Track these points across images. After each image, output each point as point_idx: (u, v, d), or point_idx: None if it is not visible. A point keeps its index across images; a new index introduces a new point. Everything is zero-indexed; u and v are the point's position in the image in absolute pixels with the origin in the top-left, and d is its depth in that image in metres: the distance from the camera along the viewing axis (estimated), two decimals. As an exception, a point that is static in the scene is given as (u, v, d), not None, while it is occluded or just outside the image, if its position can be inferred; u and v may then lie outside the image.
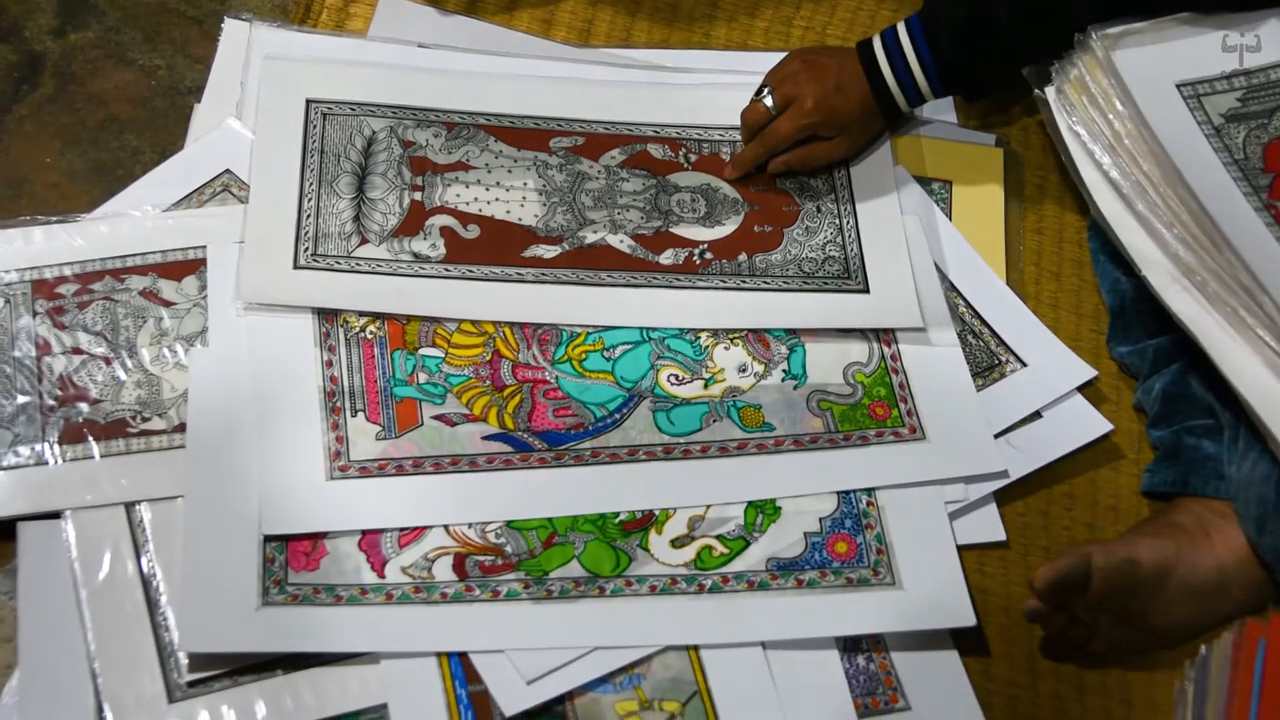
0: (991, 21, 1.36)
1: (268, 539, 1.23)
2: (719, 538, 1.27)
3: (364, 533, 1.25)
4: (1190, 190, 1.26)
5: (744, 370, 1.37)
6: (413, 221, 1.42)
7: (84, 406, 1.29)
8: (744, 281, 1.42)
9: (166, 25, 1.57)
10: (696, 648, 1.22)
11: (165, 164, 1.45)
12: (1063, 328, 1.44)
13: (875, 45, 1.42)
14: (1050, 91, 1.40)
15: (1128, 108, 1.32)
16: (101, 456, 1.27)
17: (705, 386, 1.36)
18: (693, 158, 1.50)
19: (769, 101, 1.44)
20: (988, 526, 1.32)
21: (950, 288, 1.45)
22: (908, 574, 1.26)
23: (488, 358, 1.35)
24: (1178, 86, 1.33)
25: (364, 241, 1.40)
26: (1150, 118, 1.30)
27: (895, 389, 1.37)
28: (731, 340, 1.39)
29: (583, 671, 1.20)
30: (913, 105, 1.46)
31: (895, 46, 1.41)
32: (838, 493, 1.31)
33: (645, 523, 1.28)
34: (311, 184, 1.42)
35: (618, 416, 1.33)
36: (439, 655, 1.20)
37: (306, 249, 1.38)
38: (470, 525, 1.26)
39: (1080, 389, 1.40)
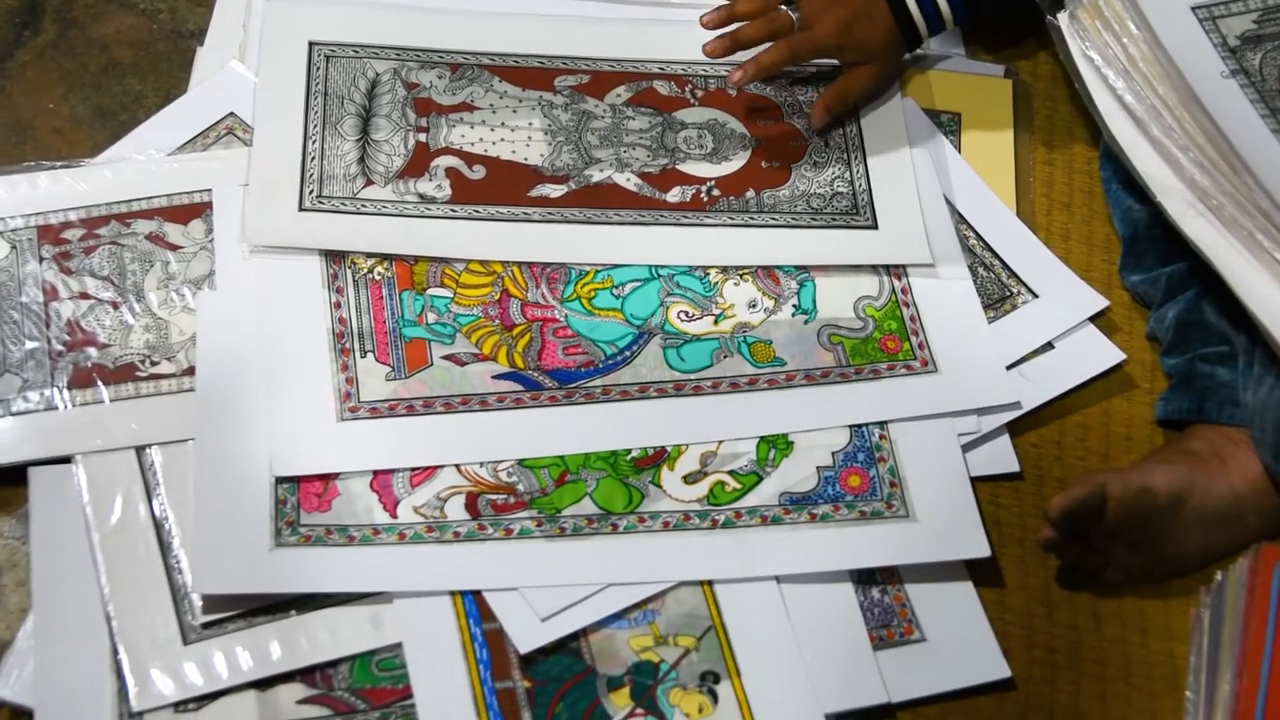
0: None
1: (279, 480, 1.22)
2: (731, 473, 1.27)
3: (375, 473, 1.24)
4: (1206, 113, 1.25)
5: (754, 306, 1.36)
6: (418, 163, 1.41)
7: (92, 351, 1.29)
8: (752, 218, 1.41)
9: (167, -32, 1.57)
10: (711, 583, 1.22)
11: (169, 108, 1.45)
12: (1074, 258, 1.43)
13: None
14: (1063, 17, 1.38)
15: (1142, 31, 1.31)
16: (111, 401, 1.26)
17: (715, 323, 1.35)
18: (699, 93, 1.49)
19: (795, 14, 1.40)
20: (1001, 458, 1.31)
21: (960, 220, 1.44)
22: (921, 506, 1.26)
23: (496, 297, 1.35)
24: (1192, 9, 1.31)
25: (369, 183, 1.39)
26: (1165, 40, 1.29)
27: (906, 322, 1.36)
28: (741, 276, 1.38)
29: (597, 608, 1.20)
30: (933, 33, 1.44)
31: None
32: (850, 426, 1.30)
33: (657, 459, 1.27)
34: (315, 126, 1.42)
35: (628, 354, 1.33)
36: (453, 594, 1.20)
37: (311, 191, 1.37)
38: (482, 464, 1.26)
39: (1092, 319, 1.39)
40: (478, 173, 1.41)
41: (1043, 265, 1.42)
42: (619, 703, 1.17)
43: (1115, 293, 1.42)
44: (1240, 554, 1.23)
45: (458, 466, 1.25)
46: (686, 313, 1.36)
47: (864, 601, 1.22)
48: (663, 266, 1.38)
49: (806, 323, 1.36)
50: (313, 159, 1.39)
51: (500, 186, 1.41)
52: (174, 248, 1.35)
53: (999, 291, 1.40)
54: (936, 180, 1.45)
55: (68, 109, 1.47)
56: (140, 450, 1.25)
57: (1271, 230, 1.22)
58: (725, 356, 1.33)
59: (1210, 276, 1.27)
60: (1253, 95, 1.26)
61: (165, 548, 1.20)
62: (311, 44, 1.47)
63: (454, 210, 1.38)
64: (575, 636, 1.19)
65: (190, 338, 1.30)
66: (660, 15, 1.55)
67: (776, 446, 1.29)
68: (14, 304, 1.31)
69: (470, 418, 1.28)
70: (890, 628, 1.22)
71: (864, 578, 1.23)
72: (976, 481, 1.28)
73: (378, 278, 1.34)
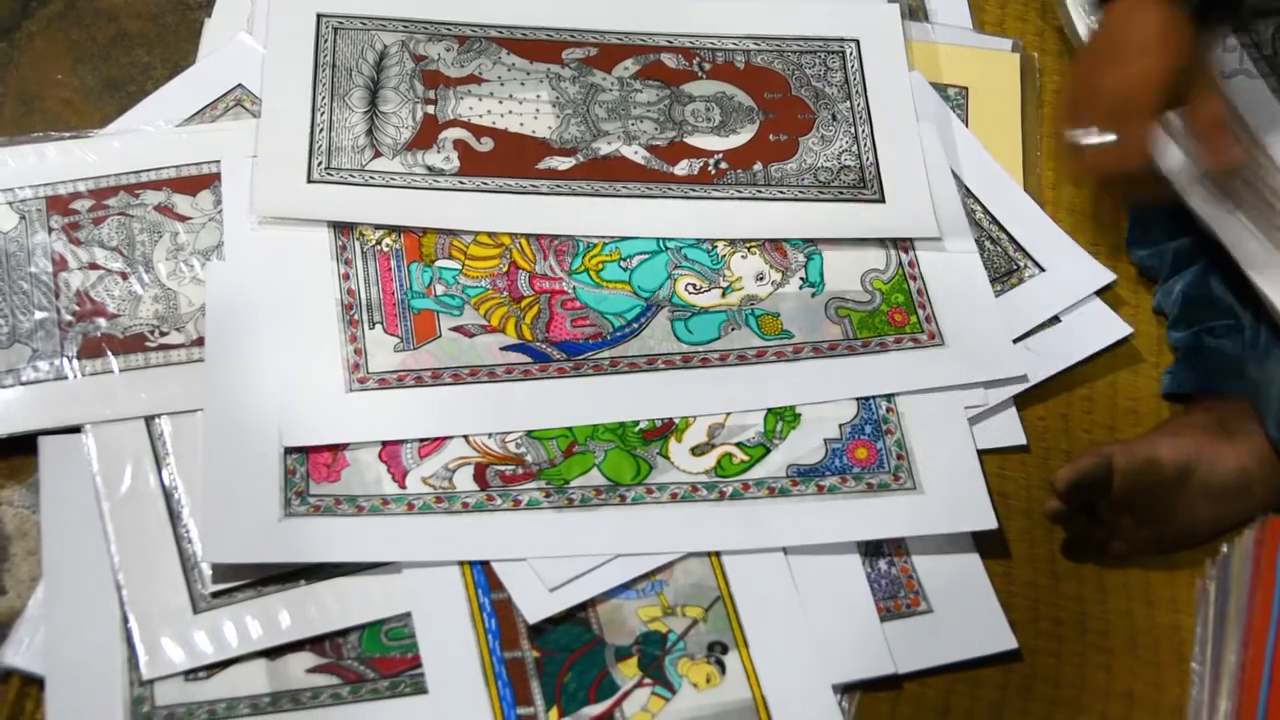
0: None
1: (288, 451, 1.23)
2: (739, 445, 1.27)
3: (384, 444, 1.25)
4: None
5: (761, 278, 1.37)
6: (426, 135, 1.41)
7: (102, 321, 1.29)
8: (759, 191, 1.41)
9: (175, -61, 1.57)
10: (718, 554, 1.23)
11: (177, 79, 1.45)
12: (1080, 232, 1.44)
13: None
14: None
15: (1150, 4, 1.31)
16: (120, 371, 1.27)
17: (723, 295, 1.35)
18: (707, 66, 1.49)
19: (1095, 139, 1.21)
20: (1007, 430, 1.32)
21: (967, 194, 1.44)
22: (928, 478, 1.26)
23: (504, 269, 1.35)
24: None
25: (377, 155, 1.39)
26: None
27: (913, 295, 1.36)
28: (749, 249, 1.38)
29: (605, 578, 1.20)
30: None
31: None
32: (857, 399, 1.31)
33: (665, 431, 1.28)
34: (324, 98, 1.42)
35: (636, 326, 1.33)
36: (462, 564, 1.20)
37: (320, 163, 1.37)
38: (490, 435, 1.26)
39: (1099, 293, 1.39)
40: (486, 145, 1.41)
41: (1049, 239, 1.42)
42: (627, 673, 1.17)
43: (1122, 267, 1.42)
44: (1246, 526, 1.23)
45: (466, 437, 1.26)
46: (694, 285, 1.36)
47: (871, 573, 1.23)
48: (670, 239, 1.38)
49: (814, 296, 1.36)
50: (321, 131, 1.39)
51: (508, 159, 1.41)
52: (183, 219, 1.35)
53: (1006, 265, 1.40)
54: (944, 154, 1.45)
55: (76, 80, 1.47)
56: (150, 420, 1.25)
57: (1278, 204, 1.22)
58: (733, 329, 1.33)
59: (1216, 251, 1.27)
60: (1264, 69, 1.26)
61: (175, 517, 1.21)
62: (319, 16, 1.47)
63: (462, 182, 1.38)
64: (583, 607, 1.20)
65: (199, 308, 1.30)
66: (668, -11, 1.55)
67: (784, 419, 1.29)
68: (23, 274, 1.31)
69: (478, 389, 1.28)
70: (897, 599, 1.22)
71: (871, 549, 1.24)
72: (983, 454, 1.29)
73: (386, 249, 1.34)
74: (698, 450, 1.27)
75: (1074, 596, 1.25)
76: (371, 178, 1.37)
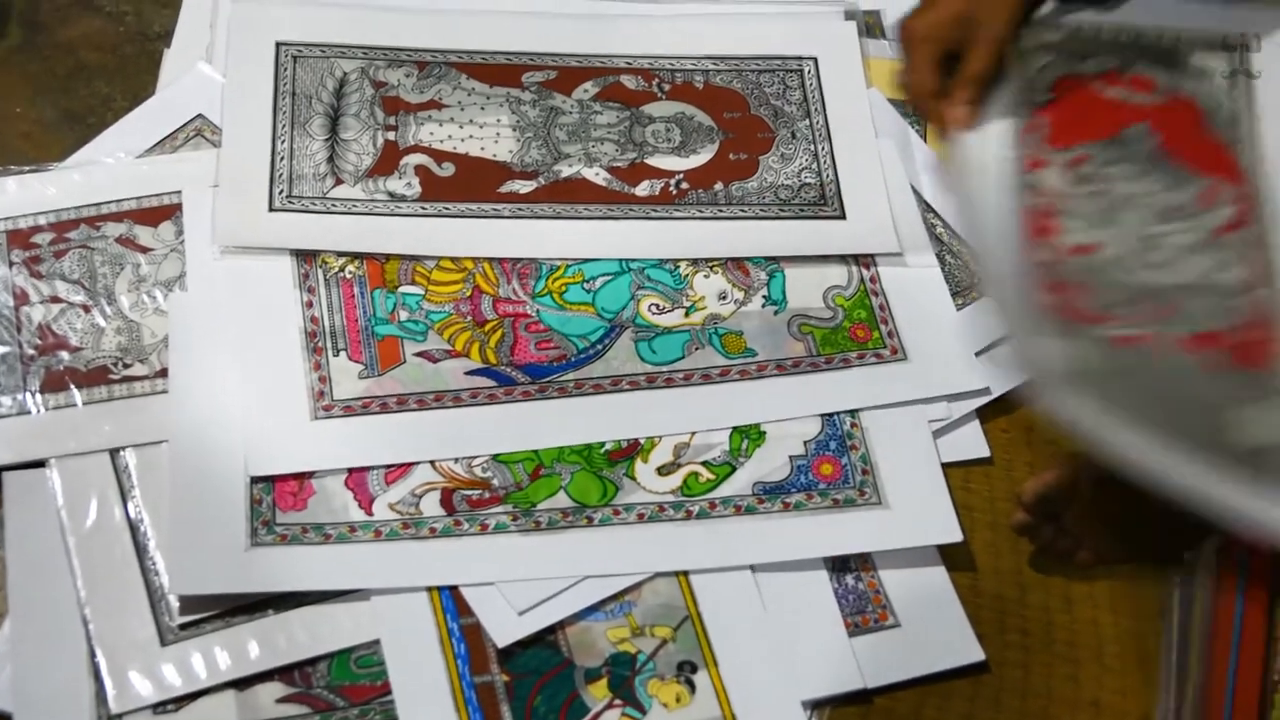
0: None
1: (254, 480, 1.23)
2: (705, 464, 1.28)
3: (350, 471, 1.25)
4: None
5: (724, 297, 1.37)
6: (387, 161, 1.41)
7: (64, 355, 1.29)
8: (721, 210, 1.42)
9: (132, -30, 1.57)
10: (686, 573, 1.23)
11: (137, 110, 1.45)
12: (1040, 245, 1.45)
13: None
14: None
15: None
16: (84, 404, 1.26)
17: (686, 315, 1.36)
18: (666, 87, 1.49)
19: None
20: (971, 443, 1.32)
21: (927, 209, 1.45)
22: (893, 493, 1.27)
23: (468, 293, 1.35)
24: None
25: (339, 182, 1.39)
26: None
27: (875, 311, 1.37)
28: (711, 268, 1.39)
29: (573, 601, 1.20)
30: None
31: None
32: (821, 415, 1.31)
33: (631, 451, 1.28)
34: (284, 126, 1.42)
35: (600, 347, 1.33)
36: (430, 590, 1.20)
37: (281, 191, 1.37)
38: (456, 460, 1.26)
39: (1060, 304, 1.40)
40: (447, 170, 1.42)
41: (1009, 252, 1.43)
42: (597, 694, 1.17)
43: (1082, 278, 1.43)
44: (1209, 533, 1.24)
45: (432, 463, 1.26)
46: (657, 305, 1.36)
47: (838, 588, 1.23)
48: (633, 260, 1.38)
49: (776, 313, 1.36)
50: (282, 159, 1.39)
51: (470, 183, 1.41)
52: (144, 250, 1.35)
53: (966, 279, 1.41)
54: (903, 170, 1.46)
55: (35, 113, 1.47)
56: (114, 453, 1.24)
57: None
58: (696, 348, 1.34)
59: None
60: None
61: (141, 550, 1.20)
62: (279, 44, 1.47)
63: (424, 208, 1.39)
64: (552, 629, 1.20)
65: (162, 340, 1.30)
66: (626, 10, 1.56)
67: (749, 437, 1.29)
68: (-16, 309, 1.31)
69: (444, 414, 1.28)
70: (865, 614, 1.22)
71: (838, 565, 1.24)
72: (947, 467, 1.29)
73: (349, 276, 1.35)
74: (664, 470, 1.27)
75: (1040, 607, 1.26)
76: (333, 205, 1.38)
